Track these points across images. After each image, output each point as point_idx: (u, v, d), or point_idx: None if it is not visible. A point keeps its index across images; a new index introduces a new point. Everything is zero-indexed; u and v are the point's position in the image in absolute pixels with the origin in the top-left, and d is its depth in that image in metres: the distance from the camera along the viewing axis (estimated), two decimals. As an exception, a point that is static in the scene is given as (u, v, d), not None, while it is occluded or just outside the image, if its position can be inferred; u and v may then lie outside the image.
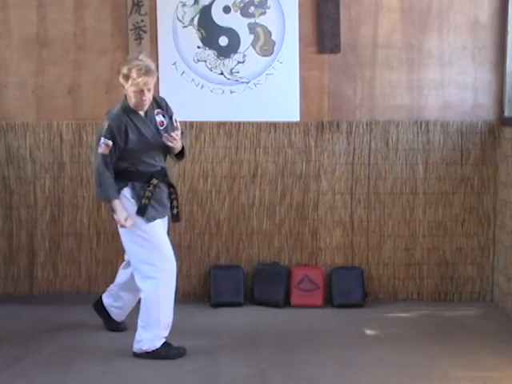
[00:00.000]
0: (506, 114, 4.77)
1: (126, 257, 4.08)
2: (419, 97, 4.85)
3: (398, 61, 4.82)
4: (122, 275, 4.14)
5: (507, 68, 4.74)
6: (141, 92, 3.69)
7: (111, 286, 4.22)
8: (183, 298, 4.85)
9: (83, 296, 4.85)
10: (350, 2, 4.78)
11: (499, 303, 4.74)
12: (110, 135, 3.72)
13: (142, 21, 4.76)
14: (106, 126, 3.75)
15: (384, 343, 4.05)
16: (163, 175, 3.89)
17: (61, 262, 4.97)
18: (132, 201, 3.78)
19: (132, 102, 3.74)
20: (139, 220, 3.77)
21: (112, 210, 3.80)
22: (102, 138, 3.73)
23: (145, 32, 4.77)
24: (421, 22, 4.79)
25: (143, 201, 3.78)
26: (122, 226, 3.77)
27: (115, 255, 4.83)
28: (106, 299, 4.22)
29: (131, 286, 4.02)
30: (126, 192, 3.78)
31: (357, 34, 4.81)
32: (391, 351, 3.90)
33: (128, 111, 3.78)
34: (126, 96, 3.78)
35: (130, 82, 3.68)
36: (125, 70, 3.69)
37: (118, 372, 3.62)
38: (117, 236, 4.70)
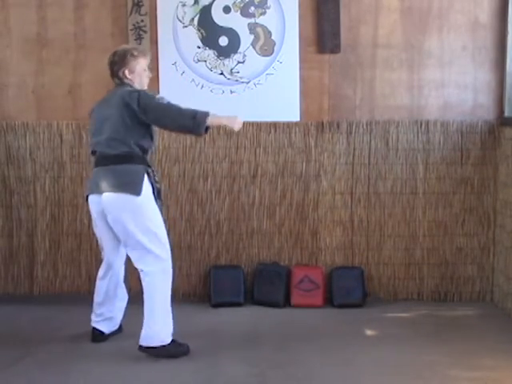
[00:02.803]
0: (506, 114, 4.77)
1: (104, 264, 4.02)
2: (419, 97, 4.85)
3: (398, 61, 4.82)
4: (103, 287, 4.02)
5: (507, 68, 4.75)
6: (147, 71, 3.94)
7: (98, 311, 4.04)
8: (183, 297, 4.85)
9: (83, 296, 4.84)
10: (350, 2, 4.78)
11: (499, 303, 4.74)
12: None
13: (142, 21, 4.77)
14: (148, 91, 3.85)
15: (384, 343, 4.04)
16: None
17: (61, 261, 4.97)
18: (149, 181, 3.79)
19: (142, 82, 3.90)
20: (153, 201, 3.78)
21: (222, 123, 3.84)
22: (158, 95, 3.89)
23: (145, 32, 4.77)
24: (421, 22, 4.79)
25: (157, 185, 3.85)
26: (239, 126, 3.80)
27: (115, 255, 4.83)
28: (107, 328, 4.07)
29: (117, 291, 4.06)
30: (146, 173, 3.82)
31: (357, 34, 4.81)
32: (391, 351, 3.90)
33: None
34: (129, 85, 3.86)
35: (140, 61, 3.87)
36: (135, 52, 3.87)
37: (118, 372, 3.61)
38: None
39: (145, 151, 3.84)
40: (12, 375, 3.57)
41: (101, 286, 4.04)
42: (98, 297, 4.05)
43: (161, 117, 3.72)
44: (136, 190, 3.72)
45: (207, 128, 3.73)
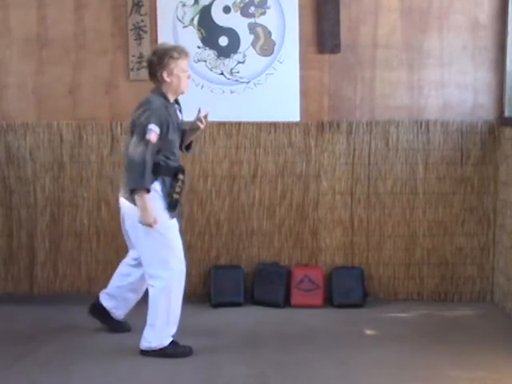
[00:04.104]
0: (506, 114, 4.77)
1: (132, 255, 4.07)
2: (419, 97, 4.85)
3: (398, 61, 4.82)
4: (130, 276, 4.10)
5: (507, 68, 4.75)
6: (187, 72, 3.81)
7: (112, 288, 4.17)
8: (183, 297, 4.84)
9: (83, 296, 4.85)
10: (350, 2, 4.78)
11: (499, 303, 4.74)
12: (159, 122, 3.65)
13: (142, 21, 4.77)
14: (152, 113, 3.64)
15: (384, 343, 4.04)
16: (184, 171, 3.87)
17: (61, 261, 4.96)
18: (161, 195, 3.73)
19: (181, 85, 3.77)
20: (164, 215, 3.73)
21: (139, 207, 3.63)
22: (152, 125, 3.60)
23: (145, 32, 4.77)
24: (421, 22, 4.79)
25: (174, 196, 3.75)
26: (147, 225, 3.65)
27: (115, 255, 4.83)
28: (107, 302, 4.17)
29: (138, 286, 4.08)
30: (157, 186, 3.73)
31: (357, 34, 4.81)
32: (391, 351, 3.90)
33: (166, 100, 3.78)
34: (159, 86, 3.77)
35: (180, 63, 3.73)
36: (175, 53, 3.73)
37: (118, 372, 3.62)
38: (117, 236, 4.73)
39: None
40: (12, 375, 3.57)
41: (130, 274, 4.11)
42: (120, 281, 4.16)
43: (127, 156, 3.68)
44: (133, 199, 3.72)
45: (133, 190, 3.66)
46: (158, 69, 3.74)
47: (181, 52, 3.77)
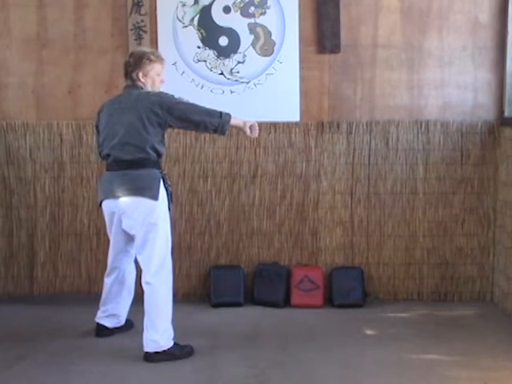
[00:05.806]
0: (506, 114, 4.77)
1: (109, 264, 4.07)
2: (419, 97, 4.85)
3: (398, 61, 4.82)
4: (107, 284, 4.09)
5: (507, 68, 4.75)
6: (161, 77, 3.97)
7: (103, 308, 4.11)
8: (183, 297, 4.85)
9: (83, 296, 4.86)
10: (350, 2, 4.78)
11: (499, 303, 4.74)
12: None
13: (142, 21, 4.77)
14: (169, 94, 3.84)
15: (384, 343, 4.04)
16: None
17: (61, 261, 4.97)
18: (164, 188, 3.82)
19: (154, 87, 3.89)
20: (167, 210, 3.82)
21: (240, 125, 3.89)
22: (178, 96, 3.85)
23: (145, 32, 4.77)
24: (421, 22, 4.79)
25: (170, 189, 3.89)
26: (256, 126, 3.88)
27: (115, 255, 4.83)
28: (110, 323, 4.12)
29: (118, 291, 4.09)
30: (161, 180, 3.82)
31: (357, 34, 4.81)
32: (391, 351, 3.90)
33: None
34: (135, 85, 3.86)
35: (155, 66, 3.89)
36: (152, 56, 3.87)
37: (118, 372, 3.61)
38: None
39: (159, 156, 3.84)
40: (12, 375, 3.57)
41: (106, 284, 4.11)
42: (103, 294, 4.13)
43: (188, 114, 3.77)
44: (154, 195, 3.72)
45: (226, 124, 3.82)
46: (134, 68, 3.85)
47: (158, 56, 3.94)
